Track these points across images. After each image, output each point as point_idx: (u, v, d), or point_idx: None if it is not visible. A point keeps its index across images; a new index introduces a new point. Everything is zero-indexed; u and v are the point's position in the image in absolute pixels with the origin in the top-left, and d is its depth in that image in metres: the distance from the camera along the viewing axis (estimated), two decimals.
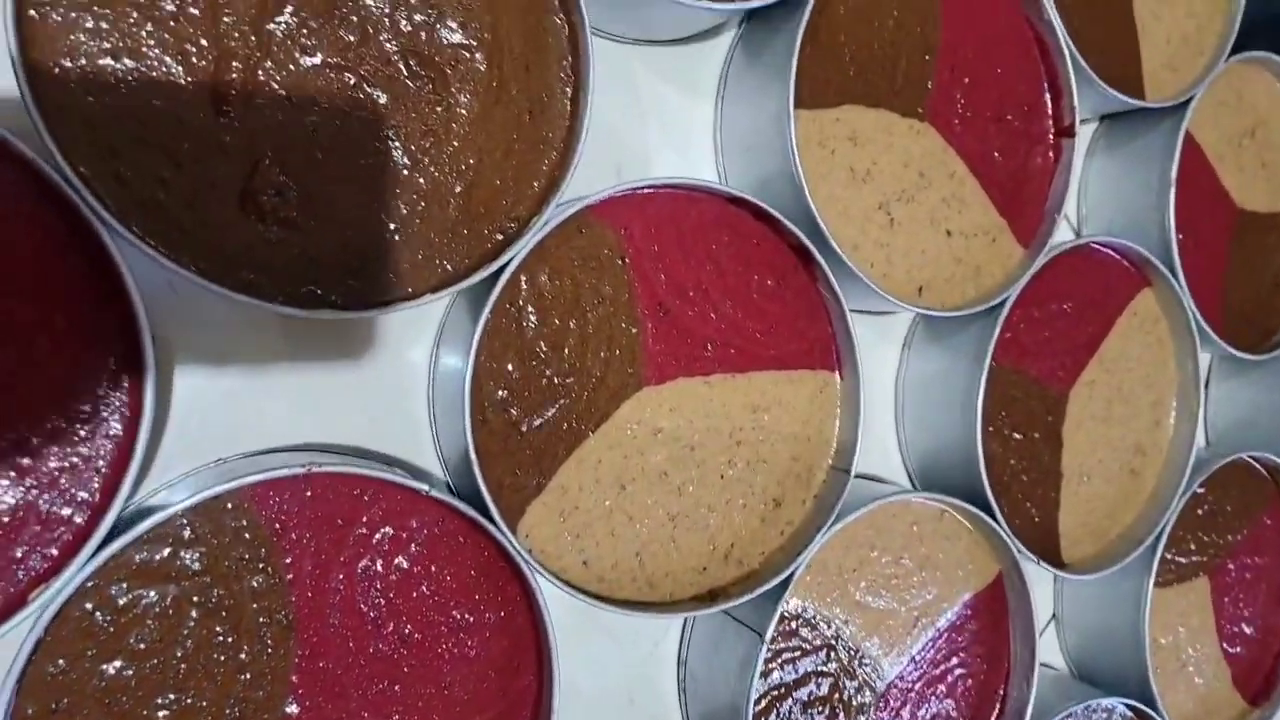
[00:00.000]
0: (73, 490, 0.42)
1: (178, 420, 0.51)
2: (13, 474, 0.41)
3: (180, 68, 0.44)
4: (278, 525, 0.48)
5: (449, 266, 0.50)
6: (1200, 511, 0.88)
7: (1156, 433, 0.84)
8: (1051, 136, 0.73)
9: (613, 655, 0.64)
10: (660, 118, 0.64)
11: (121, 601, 0.44)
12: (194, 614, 0.46)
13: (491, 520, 0.51)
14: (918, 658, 0.70)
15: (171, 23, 0.44)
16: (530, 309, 0.53)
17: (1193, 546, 0.88)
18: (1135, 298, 0.81)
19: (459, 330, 0.56)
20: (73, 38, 0.42)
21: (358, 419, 0.56)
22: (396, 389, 0.57)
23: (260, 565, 0.47)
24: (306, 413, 0.55)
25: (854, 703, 0.67)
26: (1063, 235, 0.82)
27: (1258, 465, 0.91)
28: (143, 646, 0.44)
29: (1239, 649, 0.92)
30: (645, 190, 0.56)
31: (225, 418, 0.53)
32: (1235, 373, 0.95)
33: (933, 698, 0.71)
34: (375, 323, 0.56)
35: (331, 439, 0.56)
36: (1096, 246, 0.78)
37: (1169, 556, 0.85)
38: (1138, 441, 0.82)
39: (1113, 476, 0.81)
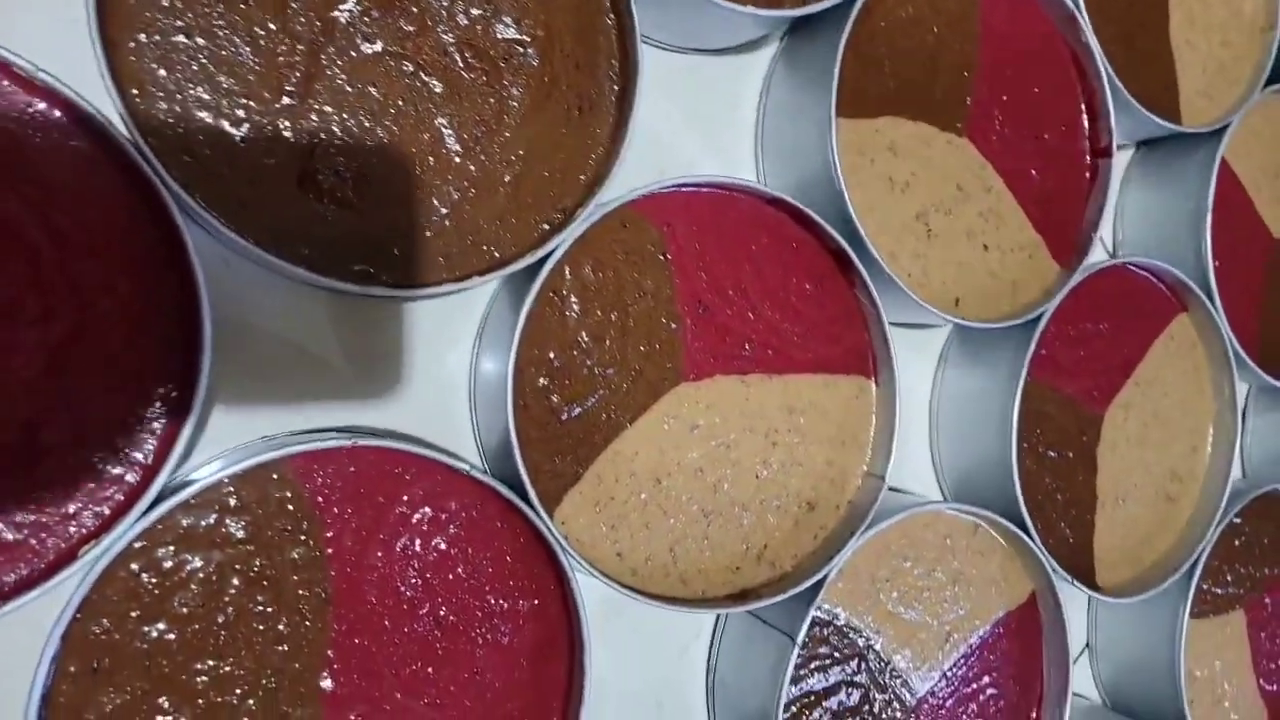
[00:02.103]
0: (127, 450, 0.43)
1: (226, 400, 0.52)
2: (71, 430, 0.42)
3: (248, 49, 0.45)
4: (320, 499, 0.48)
5: (496, 253, 0.51)
6: (1237, 543, 0.86)
7: (1193, 459, 0.83)
8: (1089, 157, 0.74)
9: (642, 656, 0.64)
10: (703, 125, 0.65)
11: (167, 565, 0.45)
12: (236, 581, 0.46)
13: (529, 504, 0.51)
14: (949, 674, 0.69)
15: (242, 5, 0.46)
16: (573, 299, 0.54)
17: (1229, 578, 0.86)
18: (1171, 322, 0.81)
19: (502, 322, 0.56)
20: (148, 15, 0.44)
21: (400, 404, 0.57)
22: (439, 377, 0.58)
23: (302, 537, 0.48)
24: (350, 398, 0.56)
25: (884, 715, 0.65)
26: (1098, 258, 0.82)
27: None
28: (185, 611, 0.45)
29: (1275, 686, 0.89)
30: (687, 189, 0.57)
31: (272, 398, 0.54)
32: (1273, 406, 0.94)
33: (964, 716, 0.69)
34: (420, 310, 0.57)
35: (374, 423, 0.56)
36: (1133, 268, 0.78)
37: (1205, 587, 0.84)
38: (1174, 467, 0.82)
39: (1149, 501, 0.80)
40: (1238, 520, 0.84)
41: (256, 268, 0.52)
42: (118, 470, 0.43)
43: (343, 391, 0.55)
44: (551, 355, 0.54)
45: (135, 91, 0.43)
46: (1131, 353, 0.79)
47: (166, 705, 0.44)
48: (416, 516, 0.51)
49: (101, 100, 0.42)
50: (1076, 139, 0.73)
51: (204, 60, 0.45)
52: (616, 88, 0.55)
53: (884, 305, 0.62)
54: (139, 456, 0.43)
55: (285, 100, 0.46)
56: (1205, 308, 0.79)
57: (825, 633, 0.64)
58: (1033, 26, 0.71)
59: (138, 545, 0.44)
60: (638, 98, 0.54)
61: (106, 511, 0.43)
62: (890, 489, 0.64)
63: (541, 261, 0.52)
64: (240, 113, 0.45)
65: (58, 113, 0.42)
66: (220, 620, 0.46)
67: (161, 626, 0.44)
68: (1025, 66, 0.71)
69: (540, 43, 0.52)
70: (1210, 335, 0.81)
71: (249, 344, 0.53)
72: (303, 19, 0.47)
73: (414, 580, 0.50)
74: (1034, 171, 0.71)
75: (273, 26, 0.46)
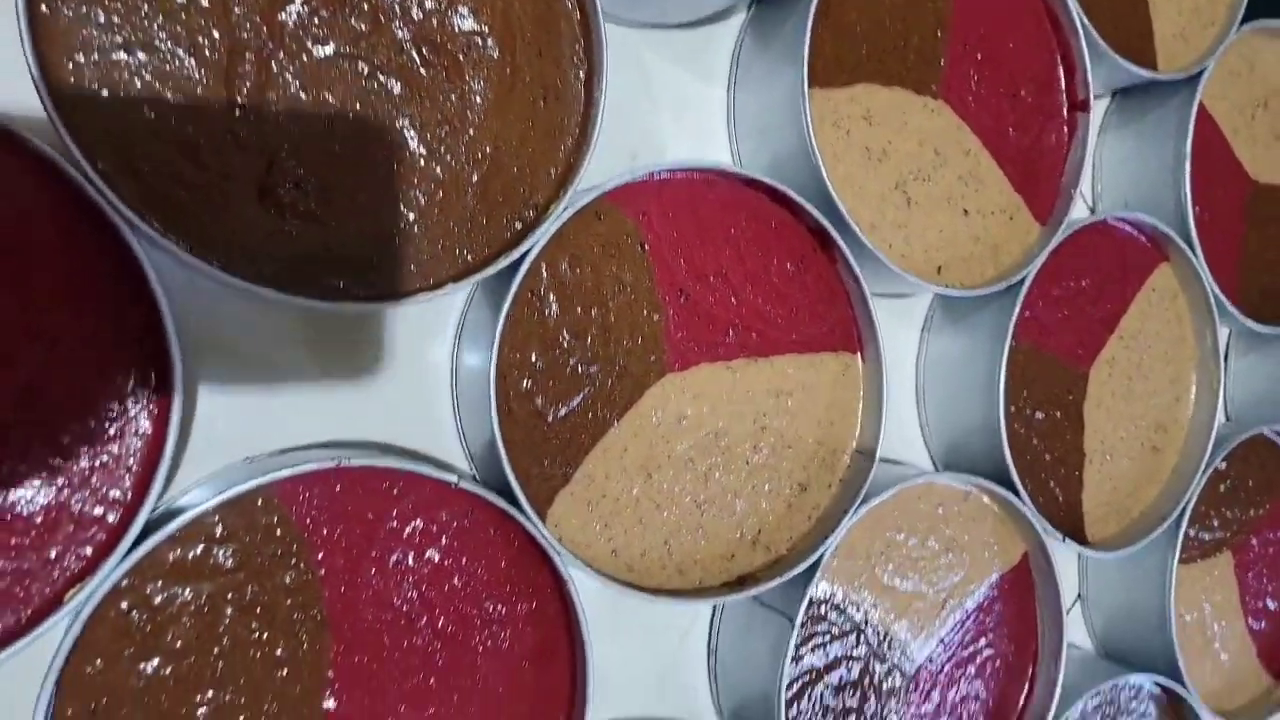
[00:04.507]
0: (105, 489, 0.42)
1: (203, 421, 0.51)
2: (44, 474, 0.41)
3: (193, 60, 0.43)
4: (308, 521, 0.48)
5: (469, 257, 0.50)
6: (1222, 487, 0.87)
7: (1177, 409, 0.83)
8: (1066, 111, 0.72)
9: (643, 647, 0.64)
10: (673, 103, 0.64)
11: (157, 600, 0.44)
12: (229, 611, 0.45)
13: (520, 510, 0.50)
14: (946, 640, 0.70)
15: (183, 15, 0.43)
16: (552, 297, 0.53)
17: (1215, 522, 0.87)
18: (1153, 274, 0.81)
19: (480, 324, 0.55)
20: (85, 32, 0.41)
21: (382, 416, 0.56)
22: (419, 385, 0.57)
23: (293, 561, 0.47)
24: (331, 411, 0.55)
25: (885, 686, 0.66)
26: (1079, 213, 0.81)
27: (1278, 440, 0.90)
28: (180, 645, 0.44)
29: (1263, 624, 0.91)
30: (662, 175, 0.56)
31: (250, 418, 0.52)
32: (1254, 347, 0.95)
33: (962, 679, 0.70)
34: (396, 319, 0.55)
35: (356, 436, 0.55)
36: (1113, 223, 0.78)
37: (1192, 533, 0.85)
38: (1159, 418, 0.82)
39: (1135, 454, 0.81)
40: (1223, 465, 0.85)
41: (223, 287, 0.50)
42: (97, 510, 0.42)
43: (324, 405, 0.54)
44: (534, 357, 0.53)
45: (77, 115, 0.41)
46: (1114, 307, 0.79)
47: None
48: (407, 530, 0.50)
49: (43, 128, 0.40)
50: (1053, 94, 0.72)
51: (148, 77, 0.42)
52: (582, 73, 0.53)
53: (867, 278, 0.61)
54: (116, 494, 0.42)
55: (237, 113, 0.44)
56: (1186, 257, 0.79)
57: (822, 610, 0.64)
58: None
59: (125, 583, 0.43)
60: (605, 82, 0.52)
61: (89, 552, 0.42)
62: (882, 460, 0.64)
63: (517, 262, 0.50)
64: (191, 129, 0.43)
65: None
66: (216, 651, 0.45)
67: (157, 662, 0.44)
68: (999, 22, 0.69)
69: (499, 32, 0.50)
70: (1192, 284, 0.81)
71: (223, 362, 0.52)
72: (248, 25, 0.45)
73: (410, 594, 0.50)
74: (1011, 130, 0.70)
75: (216, 35, 0.44)
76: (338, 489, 0.48)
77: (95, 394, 0.42)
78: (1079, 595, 0.87)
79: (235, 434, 0.52)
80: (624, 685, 0.63)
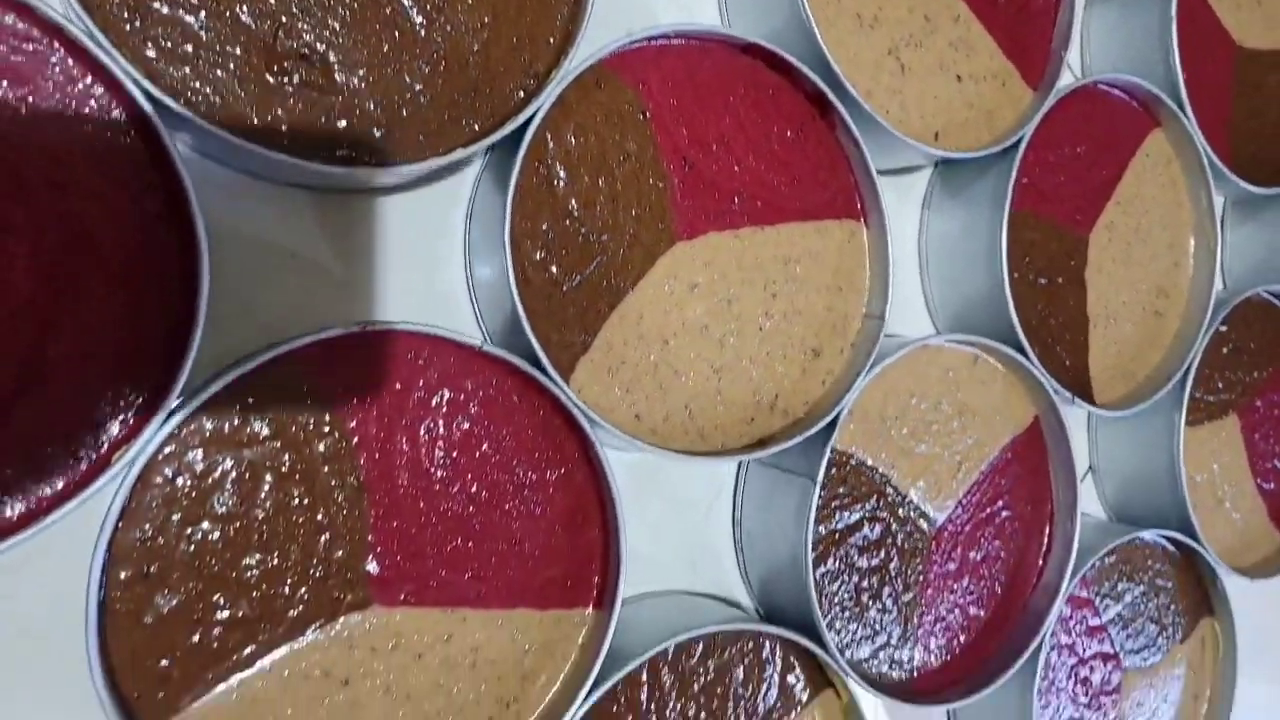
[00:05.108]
0: (140, 359, 0.43)
1: (224, 309, 0.52)
2: (78, 342, 0.42)
3: None
4: (339, 391, 0.49)
5: (476, 126, 0.51)
6: (1225, 350, 0.88)
7: (1176, 273, 0.84)
8: None
9: (667, 521, 0.65)
10: None
11: (199, 467, 0.45)
12: (269, 478, 0.47)
13: (546, 374, 0.51)
14: (964, 501, 0.71)
15: None
16: (559, 166, 0.54)
17: (1220, 385, 0.89)
18: (1146, 139, 0.82)
19: (491, 202, 0.56)
20: None
21: (399, 298, 0.57)
22: (433, 267, 0.57)
23: (326, 430, 0.48)
24: (348, 296, 0.55)
25: (906, 546, 0.68)
26: (1069, 81, 0.82)
27: (1277, 302, 0.92)
28: (224, 510, 0.45)
29: (1272, 485, 0.93)
30: (659, 42, 0.56)
31: (270, 306, 0.53)
32: (1248, 216, 0.96)
33: (982, 539, 0.72)
34: (407, 202, 0.56)
35: (375, 318, 0.56)
36: (1104, 87, 0.78)
37: (1198, 395, 0.86)
38: (1159, 283, 0.83)
39: (1137, 318, 0.82)
40: (1224, 328, 0.86)
41: (235, 175, 0.51)
42: (134, 374, 0.43)
43: (340, 292, 0.55)
44: (545, 226, 0.54)
45: None
46: (1110, 173, 0.80)
47: (222, 601, 0.45)
48: (435, 400, 0.51)
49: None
50: None
51: None
52: None
53: (866, 147, 0.62)
54: (152, 364, 0.43)
55: None
56: (1178, 120, 0.80)
57: (842, 473, 0.66)
58: None
59: (168, 451, 0.44)
60: None
61: (131, 420, 0.43)
62: (889, 335, 0.65)
63: (522, 132, 0.51)
64: (195, 0, 0.44)
65: (9, 18, 0.40)
66: (260, 516, 0.46)
67: (205, 527, 0.45)
68: None
69: None
70: (1185, 148, 0.82)
71: (239, 254, 0.52)
72: None
73: (442, 461, 0.51)
74: None
75: None
76: (365, 360, 0.49)
77: (123, 265, 0.42)
78: (1090, 467, 0.89)
79: (255, 324, 0.53)
80: (651, 560, 0.65)
